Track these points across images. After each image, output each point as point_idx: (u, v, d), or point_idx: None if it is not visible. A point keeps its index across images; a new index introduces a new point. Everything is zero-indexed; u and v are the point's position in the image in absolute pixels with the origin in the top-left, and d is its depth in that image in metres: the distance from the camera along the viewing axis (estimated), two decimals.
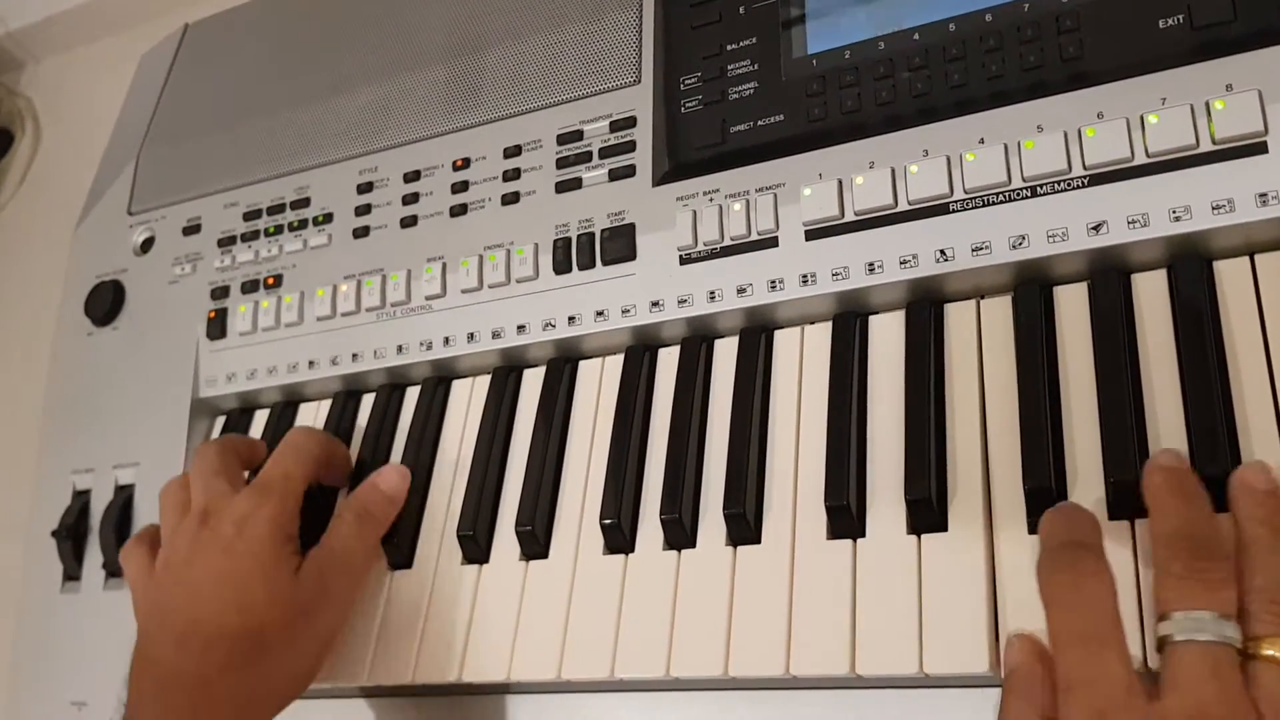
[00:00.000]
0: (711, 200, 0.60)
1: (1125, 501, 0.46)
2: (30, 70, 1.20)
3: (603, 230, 0.62)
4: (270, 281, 0.72)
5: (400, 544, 0.61)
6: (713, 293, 0.58)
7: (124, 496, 0.72)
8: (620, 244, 0.61)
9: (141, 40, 0.93)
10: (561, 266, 0.63)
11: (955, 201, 0.54)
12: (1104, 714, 0.39)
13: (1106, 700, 0.40)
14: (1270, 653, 0.39)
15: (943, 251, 0.53)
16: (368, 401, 0.69)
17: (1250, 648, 0.40)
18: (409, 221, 0.69)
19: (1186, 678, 0.39)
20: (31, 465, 0.79)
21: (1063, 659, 0.42)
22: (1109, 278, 0.51)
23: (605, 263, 0.62)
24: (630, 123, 0.63)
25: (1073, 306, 0.52)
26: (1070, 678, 0.41)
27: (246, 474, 0.63)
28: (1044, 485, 0.47)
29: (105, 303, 0.77)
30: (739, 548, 0.53)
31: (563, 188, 0.64)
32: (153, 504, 0.70)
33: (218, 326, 0.73)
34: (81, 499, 0.73)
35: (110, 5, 1.11)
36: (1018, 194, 0.53)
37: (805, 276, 0.56)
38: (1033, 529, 0.47)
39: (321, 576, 0.57)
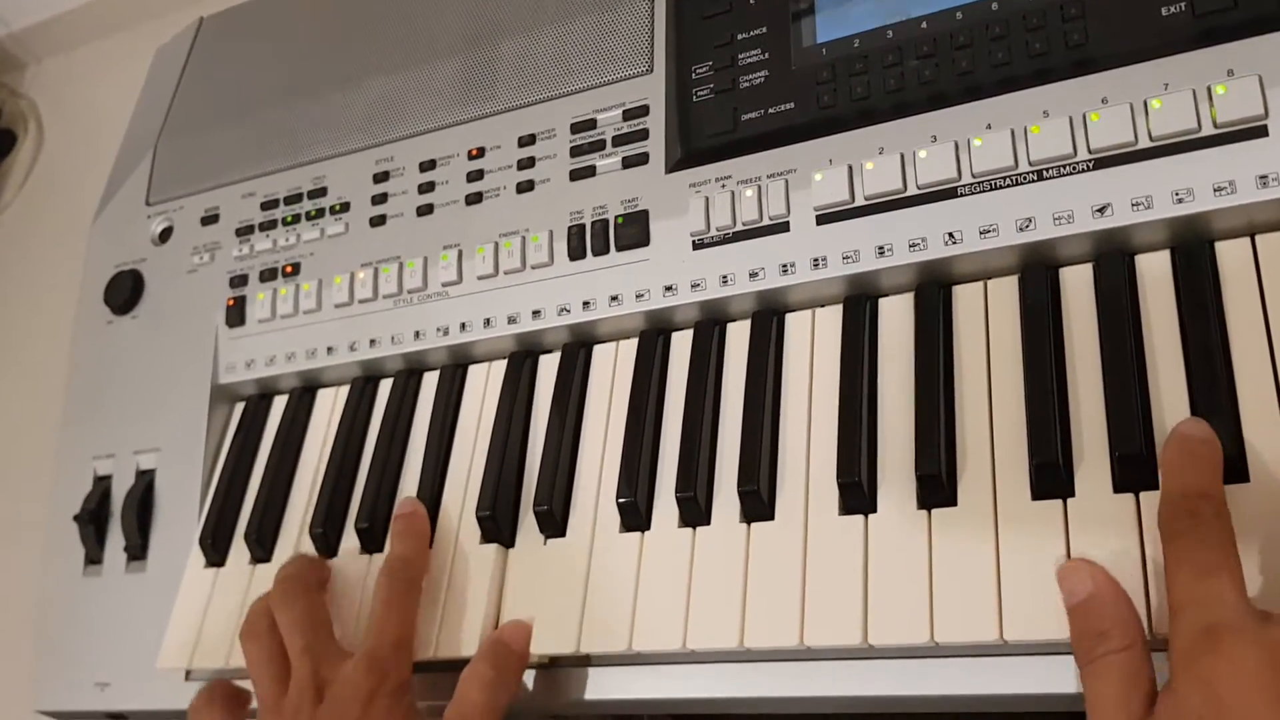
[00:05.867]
0: (724, 186, 0.61)
1: (1131, 476, 0.47)
2: (33, 71, 1.21)
3: (617, 217, 0.63)
4: (288, 269, 0.73)
5: None
6: (725, 277, 0.60)
7: (145, 481, 0.73)
8: (634, 230, 0.62)
9: (143, 39, 0.94)
10: (576, 253, 0.64)
11: (963, 185, 0.55)
12: (1213, 630, 0.39)
13: (1217, 617, 0.39)
14: None
15: (951, 234, 0.55)
16: (385, 386, 0.70)
17: None
18: (425, 210, 0.70)
19: None
20: (40, 461, 0.80)
21: (1174, 581, 0.42)
22: (1113, 259, 0.52)
23: (619, 249, 0.63)
24: (643, 111, 0.65)
25: (1078, 287, 0.53)
26: (1181, 597, 0.41)
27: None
28: (1051, 460, 0.48)
29: (125, 292, 0.78)
30: (753, 524, 0.54)
31: (577, 176, 0.66)
32: (174, 488, 0.72)
33: (237, 314, 0.74)
34: (103, 484, 0.75)
35: (111, 5, 1.12)
36: (1024, 178, 0.54)
37: (816, 260, 0.58)
38: (1037, 500, 0.49)
39: None
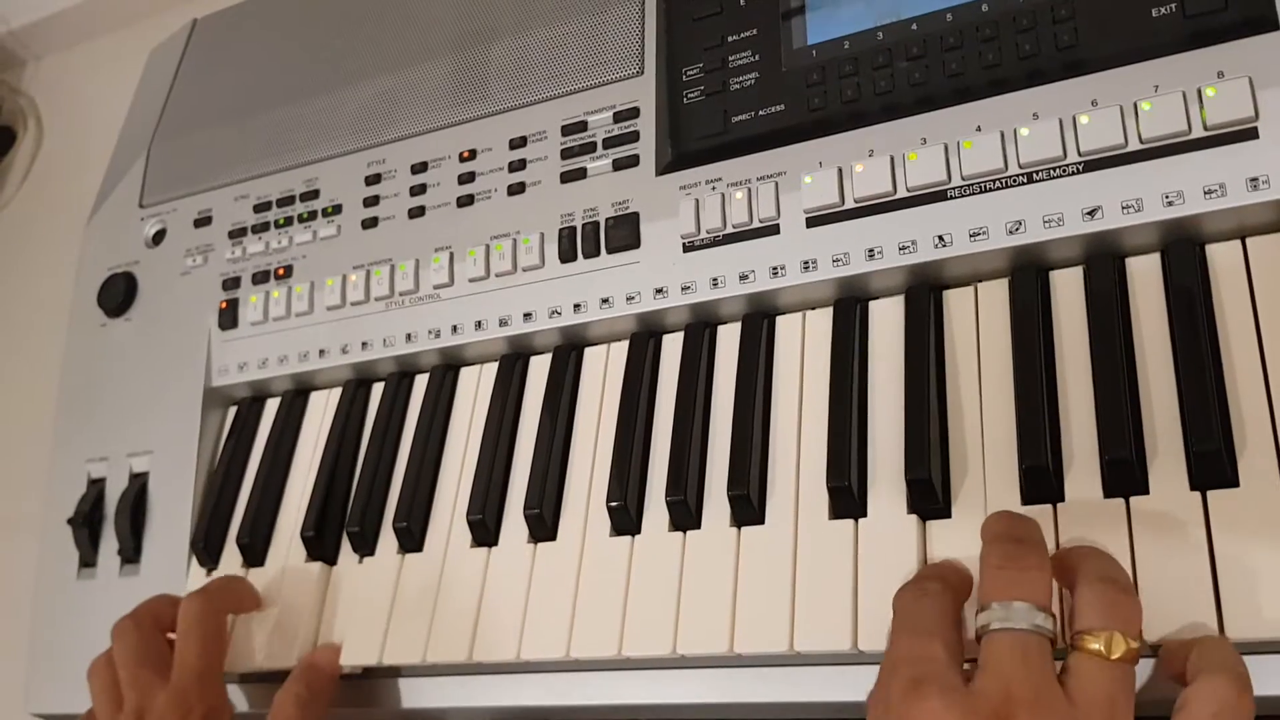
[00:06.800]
0: (714, 189, 0.61)
1: (1121, 480, 0.47)
2: (32, 68, 1.21)
3: (607, 219, 0.63)
4: (281, 272, 0.73)
5: (411, 529, 0.62)
6: (716, 279, 0.60)
7: (138, 484, 0.73)
8: (624, 232, 0.62)
9: (143, 37, 0.94)
10: (567, 255, 0.64)
11: (953, 188, 0.55)
12: (918, 682, 0.41)
13: (924, 672, 0.41)
14: (1094, 646, 0.41)
15: (941, 237, 0.55)
16: (377, 389, 0.70)
17: (1075, 640, 0.41)
18: (417, 212, 0.70)
19: (997, 661, 0.41)
20: (35, 460, 0.80)
21: (891, 641, 0.45)
22: (1104, 262, 0.52)
23: (610, 251, 0.63)
24: (634, 113, 0.65)
25: (1069, 290, 0.53)
26: (895, 656, 0.43)
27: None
28: (1040, 464, 0.48)
29: (118, 294, 0.78)
30: (743, 528, 0.54)
31: (568, 178, 0.65)
32: (167, 491, 0.72)
33: (229, 316, 0.74)
34: (97, 487, 0.75)
35: (111, 3, 1.12)
36: (1014, 180, 0.54)
37: (806, 263, 0.57)
38: (1027, 504, 0.49)
39: None
